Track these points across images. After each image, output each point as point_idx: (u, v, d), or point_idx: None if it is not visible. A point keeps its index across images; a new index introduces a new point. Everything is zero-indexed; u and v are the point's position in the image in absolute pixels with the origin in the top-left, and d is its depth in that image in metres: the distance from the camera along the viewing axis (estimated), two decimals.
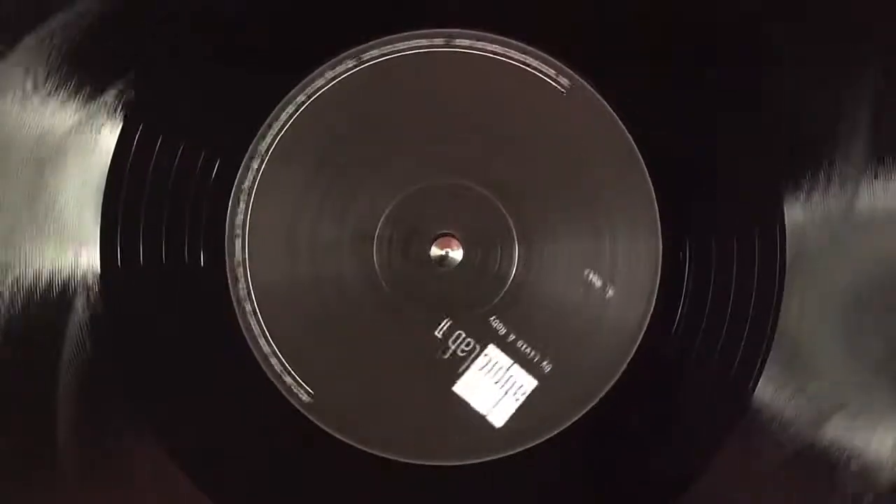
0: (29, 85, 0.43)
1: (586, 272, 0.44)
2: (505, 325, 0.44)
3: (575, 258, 0.44)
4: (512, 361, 0.44)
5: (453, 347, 0.44)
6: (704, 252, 0.44)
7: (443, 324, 0.44)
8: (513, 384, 0.44)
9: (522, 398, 0.44)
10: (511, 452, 0.44)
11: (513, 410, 0.44)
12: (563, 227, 0.44)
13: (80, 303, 0.44)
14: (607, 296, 0.44)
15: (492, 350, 0.44)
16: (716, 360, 0.44)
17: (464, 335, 0.44)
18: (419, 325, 0.44)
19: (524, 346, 0.44)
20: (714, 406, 0.44)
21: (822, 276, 0.44)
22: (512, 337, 0.44)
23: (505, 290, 0.44)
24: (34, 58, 0.43)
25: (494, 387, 0.44)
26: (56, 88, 0.44)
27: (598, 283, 0.44)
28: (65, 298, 0.44)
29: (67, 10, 0.43)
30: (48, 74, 0.43)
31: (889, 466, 0.43)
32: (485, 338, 0.44)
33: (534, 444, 0.44)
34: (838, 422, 0.43)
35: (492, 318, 0.44)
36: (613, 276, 0.44)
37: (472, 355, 0.44)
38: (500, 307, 0.44)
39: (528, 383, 0.44)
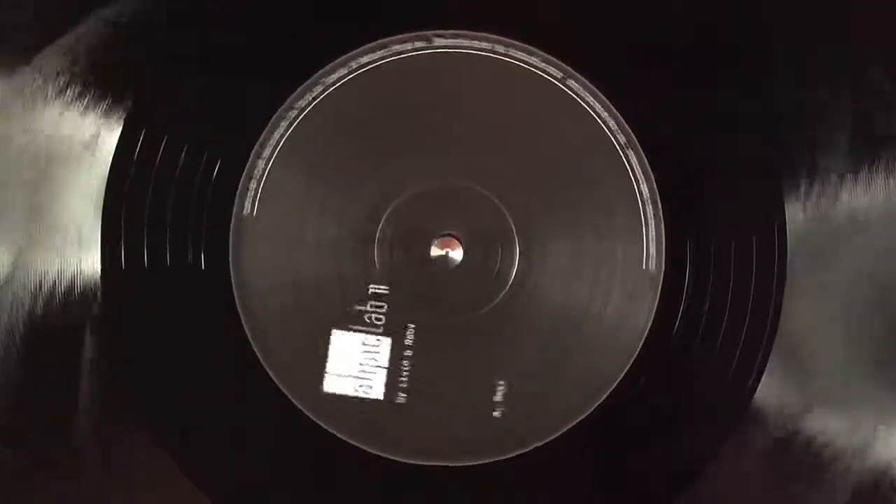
0: (32, 91, 0.43)
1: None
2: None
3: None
4: None
5: None
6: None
7: None
8: None
9: None
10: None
11: None
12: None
13: (82, 305, 0.44)
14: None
15: None
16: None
17: None
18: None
19: None
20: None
21: (823, 277, 0.44)
22: None
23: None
24: (37, 65, 0.43)
25: None
26: (58, 94, 0.44)
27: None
28: (67, 301, 0.44)
29: (73, 19, 0.43)
30: (51, 81, 0.44)
31: (890, 466, 0.43)
32: None
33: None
34: (838, 422, 0.43)
35: None
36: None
37: None
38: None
39: None
